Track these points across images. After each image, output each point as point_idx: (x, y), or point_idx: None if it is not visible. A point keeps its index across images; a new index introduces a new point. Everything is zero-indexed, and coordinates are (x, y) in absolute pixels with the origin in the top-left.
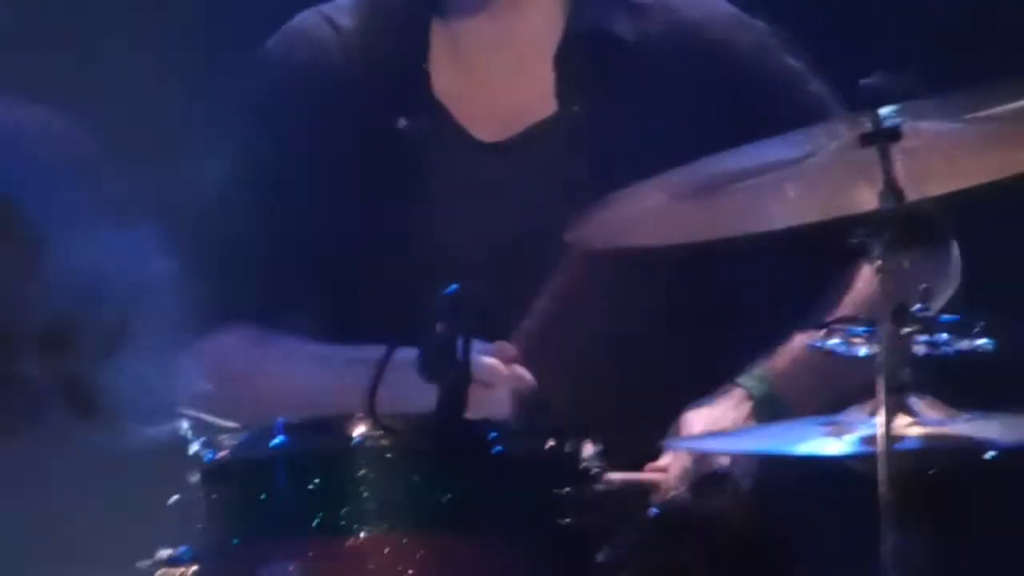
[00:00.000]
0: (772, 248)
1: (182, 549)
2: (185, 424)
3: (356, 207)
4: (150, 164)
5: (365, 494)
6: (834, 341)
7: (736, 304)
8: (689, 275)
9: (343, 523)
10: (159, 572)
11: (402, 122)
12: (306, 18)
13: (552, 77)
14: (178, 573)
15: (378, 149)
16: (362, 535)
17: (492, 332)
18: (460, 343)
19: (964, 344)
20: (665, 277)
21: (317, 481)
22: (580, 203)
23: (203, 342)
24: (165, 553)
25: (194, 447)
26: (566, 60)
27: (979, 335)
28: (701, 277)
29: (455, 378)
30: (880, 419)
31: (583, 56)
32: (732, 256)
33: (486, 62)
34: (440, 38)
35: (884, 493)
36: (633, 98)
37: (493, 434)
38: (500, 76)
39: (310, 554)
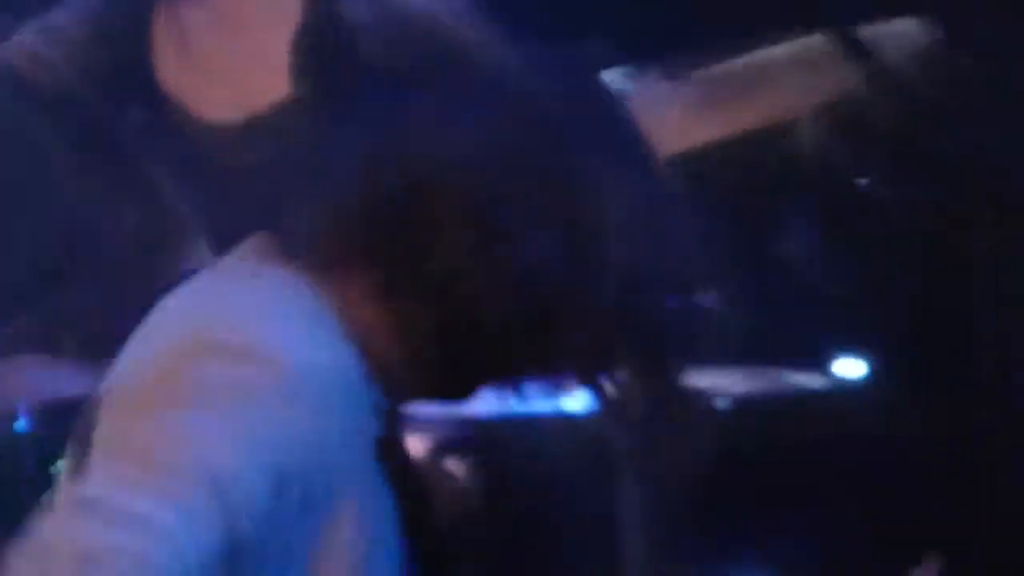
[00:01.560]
0: None
1: None
2: None
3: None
4: None
5: None
6: None
7: None
8: None
9: None
10: None
11: (132, 115)
12: (21, 42)
13: (288, 61)
14: None
15: (113, 144)
16: None
17: None
18: None
19: (693, 301)
20: None
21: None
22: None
23: None
24: None
25: None
26: (302, 45)
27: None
28: None
29: None
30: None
31: (320, 40)
32: None
33: (216, 48)
34: (164, 29)
35: (623, 448)
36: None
37: None
38: (232, 61)
39: None
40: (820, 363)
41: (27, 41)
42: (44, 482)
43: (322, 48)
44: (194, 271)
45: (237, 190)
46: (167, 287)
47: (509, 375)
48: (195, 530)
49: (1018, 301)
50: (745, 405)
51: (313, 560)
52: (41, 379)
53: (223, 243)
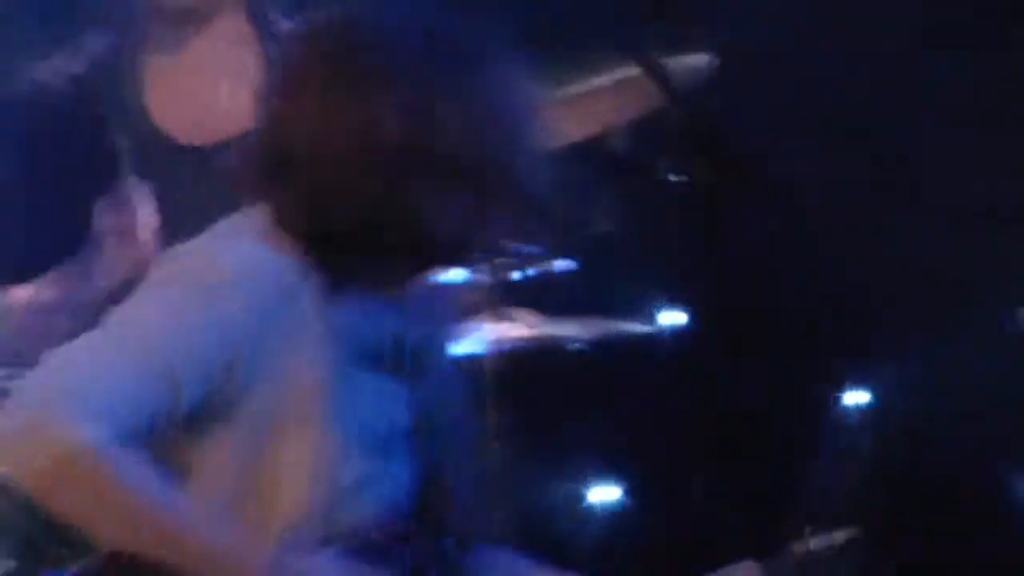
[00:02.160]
0: None
1: None
2: None
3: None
4: None
5: None
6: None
7: None
8: None
9: None
10: None
11: (124, 139)
12: (47, 80)
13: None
14: None
15: (114, 160)
16: None
17: None
18: None
19: (546, 267)
20: None
21: None
22: None
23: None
24: None
25: None
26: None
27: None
28: None
29: None
30: (488, 326)
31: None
32: None
33: (193, 89)
34: (151, 70)
35: (491, 384)
36: None
37: None
38: (206, 99)
39: None
40: (647, 314)
41: (60, 67)
42: None
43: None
44: None
45: (194, 192)
46: None
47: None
48: (138, 390)
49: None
50: (593, 348)
51: (274, 416)
52: None
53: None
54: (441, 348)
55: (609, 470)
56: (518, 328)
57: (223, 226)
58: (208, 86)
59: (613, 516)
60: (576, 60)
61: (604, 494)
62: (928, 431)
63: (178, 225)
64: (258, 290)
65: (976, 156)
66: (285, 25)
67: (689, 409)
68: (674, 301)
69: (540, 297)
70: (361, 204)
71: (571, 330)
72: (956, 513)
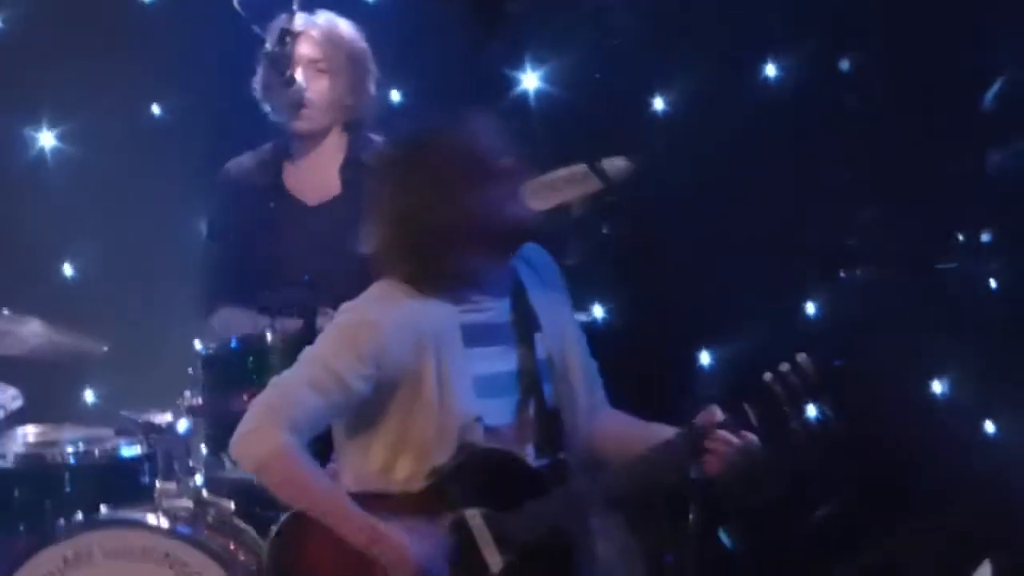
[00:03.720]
0: None
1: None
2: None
3: (255, 242)
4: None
5: None
6: None
7: None
8: None
9: None
10: None
11: (270, 202)
12: (233, 163)
13: (339, 176)
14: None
15: (262, 214)
16: None
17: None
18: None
19: None
20: None
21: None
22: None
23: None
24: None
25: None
26: (343, 169)
27: None
28: None
29: None
30: None
31: (348, 168)
32: None
33: (310, 173)
34: (289, 161)
35: None
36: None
37: None
38: (316, 178)
39: None
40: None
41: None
42: (246, 375)
43: (351, 171)
44: None
45: (313, 238)
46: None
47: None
48: (319, 399)
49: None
50: None
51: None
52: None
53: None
54: (547, 312)
55: None
56: None
57: (374, 289)
58: (318, 172)
59: None
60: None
61: None
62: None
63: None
64: (391, 318)
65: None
66: (373, 137)
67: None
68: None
69: None
70: (455, 259)
71: None
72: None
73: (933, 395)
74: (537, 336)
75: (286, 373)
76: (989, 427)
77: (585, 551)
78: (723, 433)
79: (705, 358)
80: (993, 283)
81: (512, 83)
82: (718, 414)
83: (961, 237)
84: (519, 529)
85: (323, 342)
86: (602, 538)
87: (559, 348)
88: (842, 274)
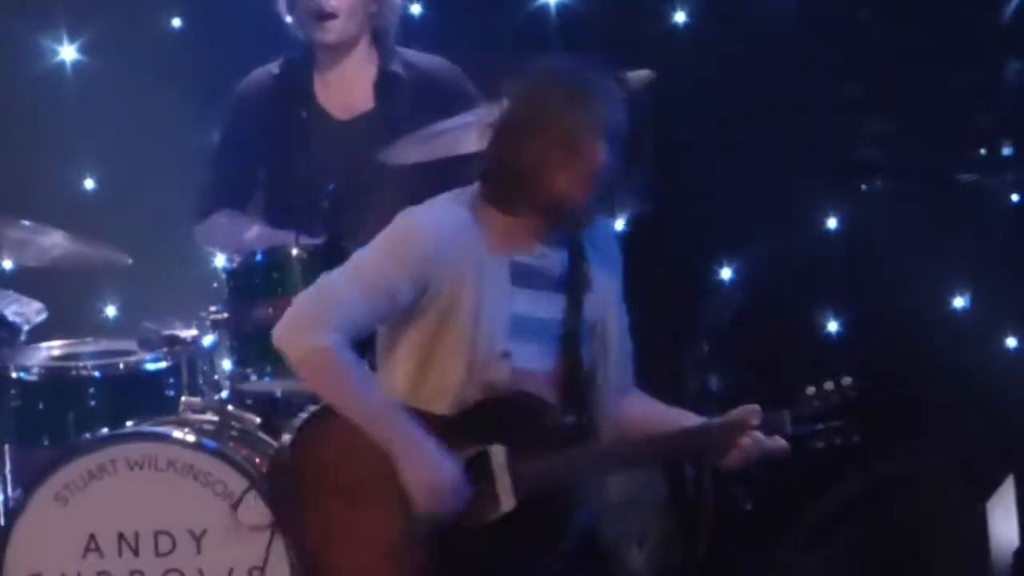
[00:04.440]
0: None
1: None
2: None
3: (279, 152)
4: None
5: None
6: None
7: None
8: None
9: None
10: None
11: (302, 113)
12: (256, 74)
13: (372, 91)
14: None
15: (290, 125)
16: None
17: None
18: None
19: None
20: None
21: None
22: (386, 147)
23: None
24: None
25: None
26: (377, 84)
27: None
28: None
29: None
30: None
31: (383, 83)
32: None
33: (340, 84)
34: (317, 74)
35: None
36: (406, 104)
37: None
38: (346, 91)
39: None
40: None
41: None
42: (271, 288)
43: (385, 86)
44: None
45: (343, 152)
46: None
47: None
48: (366, 301)
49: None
50: None
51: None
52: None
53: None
54: (598, 280)
55: None
56: None
57: (446, 194)
58: (348, 85)
59: None
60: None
61: None
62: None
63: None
64: (445, 232)
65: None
66: (398, 49)
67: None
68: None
69: None
70: (526, 175)
71: None
72: None
73: (954, 309)
74: (585, 297)
75: (335, 272)
76: (1011, 342)
77: (593, 507)
78: (758, 435)
79: (726, 272)
80: (1015, 196)
81: None
82: (756, 416)
83: (983, 151)
84: (536, 476)
85: (376, 245)
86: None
87: (602, 317)
88: (863, 187)
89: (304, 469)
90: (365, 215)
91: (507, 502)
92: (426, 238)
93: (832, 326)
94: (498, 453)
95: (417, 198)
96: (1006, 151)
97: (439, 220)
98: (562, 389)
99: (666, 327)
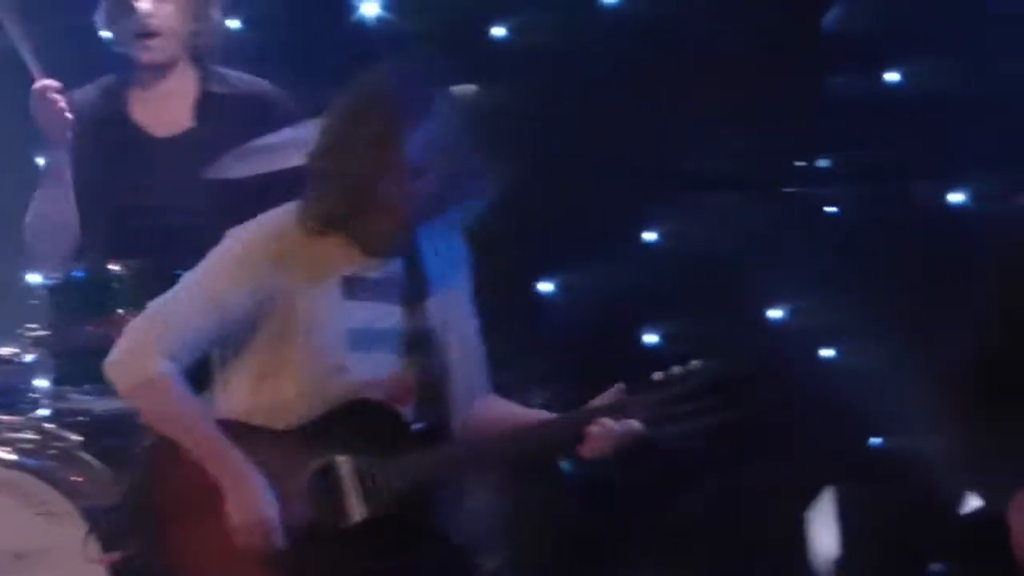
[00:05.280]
0: None
1: None
2: None
3: (98, 171)
4: None
5: None
6: None
7: None
8: None
9: None
10: None
11: (120, 131)
12: (75, 93)
13: (192, 111)
14: None
15: (109, 143)
16: None
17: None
18: None
19: None
20: None
21: None
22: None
23: None
24: None
25: None
26: (197, 103)
27: None
28: None
29: None
30: None
31: (204, 102)
32: None
33: (160, 103)
34: (137, 92)
35: None
36: (227, 122)
37: None
38: (166, 110)
39: None
40: None
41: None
42: (92, 306)
43: (204, 106)
44: None
45: (164, 171)
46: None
47: None
48: (199, 323)
49: None
50: None
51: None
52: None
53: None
54: (439, 284)
55: None
56: None
57: (273, 211)
58: (168, 104)
59: None
60: None
61: None
62: None
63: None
64: (274, 248)
65: None
66: (220, 69)
67: None
68: None
69: None
70: (355, 195)
71: None
72: None
73: (773, 321)
74: (426, 303)
75: (164, 296)
76: (828, 352)
77: (448, 513)
78: (607, 421)
79: (548, 287)
80: (833, 208)
81: (351, 9)
82: (605, 399)
83: (801, 163)
84: (386, 483)
85: (206, 266)
86: (469, 502)
87: (447, 321)
88: (685, 199)
89: (157, 484)
90: (188, 234)
91: (357, 512)
92: (256, 255)
93: (653, 338)
94: (344, 464)
95: (242, 216)
96: (823, 163)
97: (267, 236)
98: (413, 396)
99: (493, 341)
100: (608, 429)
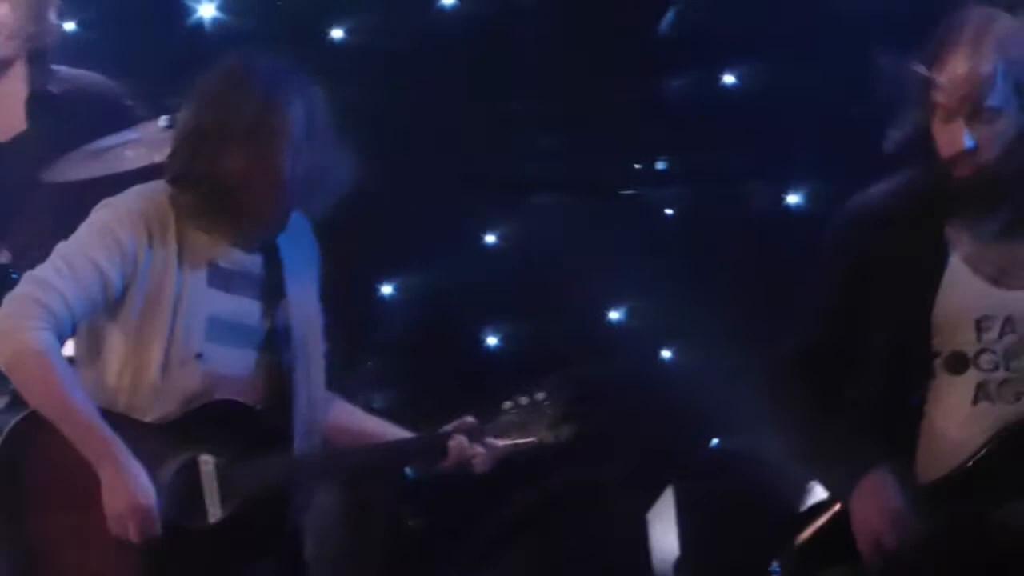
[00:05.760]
0: None
1: None
2: None
3: None
4: None
5: None
6: None
7: None
8: None
9: None
10: None
11: None
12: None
13: (24, 111)
14: None
15: None
16: None
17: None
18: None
19: None
20: None
21: None
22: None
23: None
24: None
25: None
26: (29, 103)
27: None
28: None
29: None
30: None
31: (37, 101)
32: None
33: None
34: None
35: None
36: (62, 122)
37: None
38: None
39: None
40: None
41: None
42: None
43: (36, 107)
44: None
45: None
46: None
47: None
48: (79, 291)
49: None
50: None
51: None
52: None
53: None
54: (296, 283)
55: None
56: None
57: (142, 186)
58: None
59: None
60: None
61: None
62: None
63: None
64: (147, 219)
65: None
66: (56, 69)
67: None
68: None
69: None
70: (218, 183)
71: None
72: None
73: (612, 322)
74: (282, 302)
75: (40, 268)
76: (666, 353)
77: (303, 517)
78: (462, 439)
79: (388, 289)
80: (670, 210)
81: (188, 11)
82: (462, 425)
83: (639, 165)
84: (244, 484)
85: (79, 236)
86: (322, 508)
87: (303, 320)
88: (525, 201)
89: (23, 468)
90: (28, 236)
91: (213, 513)
92: (130, 224)
93: (492, 340)
94: (206, 462)
95: (81, 217)
96: (661, 165)
97: (140, 208)
98: (265, 394)
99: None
100: (462, 448)
